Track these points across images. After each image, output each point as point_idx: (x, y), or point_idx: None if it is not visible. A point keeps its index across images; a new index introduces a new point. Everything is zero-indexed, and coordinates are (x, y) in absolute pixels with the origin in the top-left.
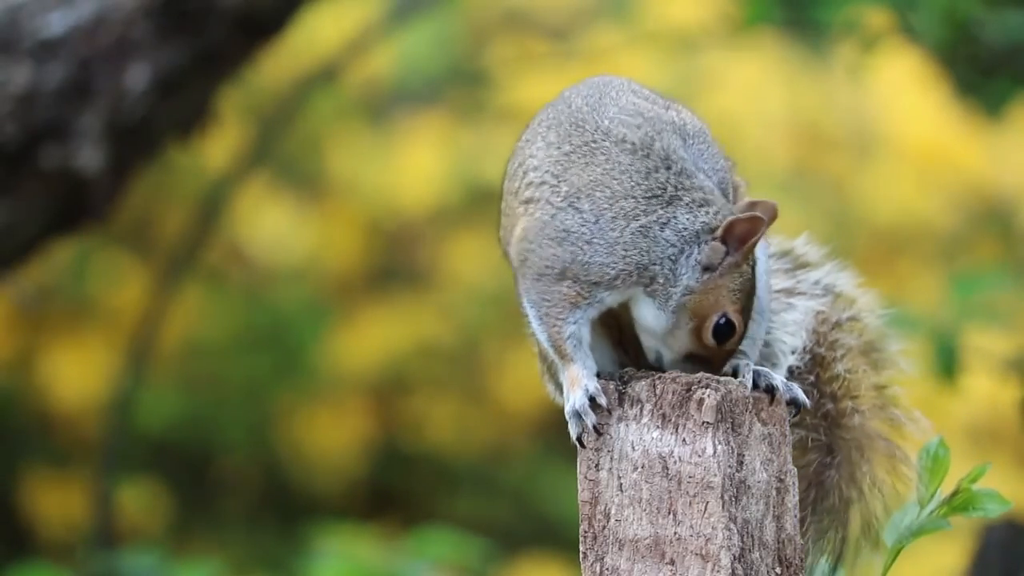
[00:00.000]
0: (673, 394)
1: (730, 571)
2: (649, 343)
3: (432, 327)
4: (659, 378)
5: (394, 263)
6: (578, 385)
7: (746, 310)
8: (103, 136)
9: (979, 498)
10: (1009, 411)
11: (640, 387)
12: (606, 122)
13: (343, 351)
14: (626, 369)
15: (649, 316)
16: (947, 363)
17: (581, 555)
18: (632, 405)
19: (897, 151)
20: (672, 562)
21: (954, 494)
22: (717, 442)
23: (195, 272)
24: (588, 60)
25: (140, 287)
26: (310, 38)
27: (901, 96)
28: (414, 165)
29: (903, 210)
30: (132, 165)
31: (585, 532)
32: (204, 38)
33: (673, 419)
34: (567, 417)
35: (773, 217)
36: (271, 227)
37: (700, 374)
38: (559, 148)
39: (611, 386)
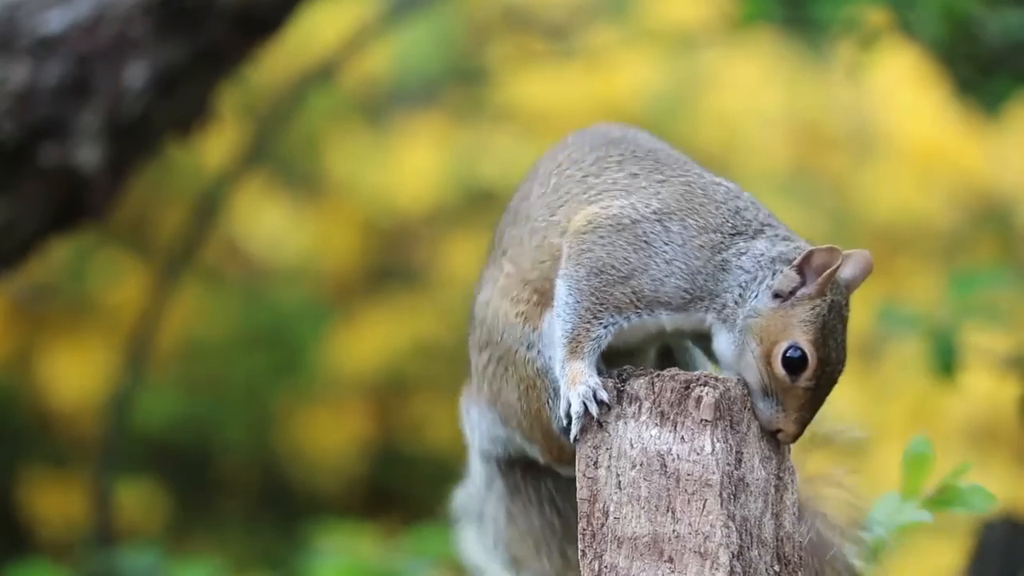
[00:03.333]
0: (671, 392)
1: (729, 569)
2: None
3: (430, 327)
4: (658, 376)
5: (391, 263)
6: (580, 382)
7: (825, 346)
8: (101, 134)
9: (964, 494)
10: (1008, 409)
11: (638, 384)
12: (695, 168)
13: (342, 351)
14: (624, 367)
15: (722, 343)
16: (946, 361)
17: (579, 553)
18: (631, 403)
19: (896, 150)
20: (671, 560)
21: (939, 491)
22: (716, 439)
23: (193, 271)
24: (587, 59)
25: (138, 286)
26: (308, 36)
27: (900, 94)
28: (412, 165)
29: (902, 209)
30: (131, 163)
31: (583, 530)
32: (203, 36)
33: (672, 417)
34: (568, 416)
35: (868, 267)
36: (269, 226)
37: (699, 372)
38: (647, 179)
39: (609, 383)
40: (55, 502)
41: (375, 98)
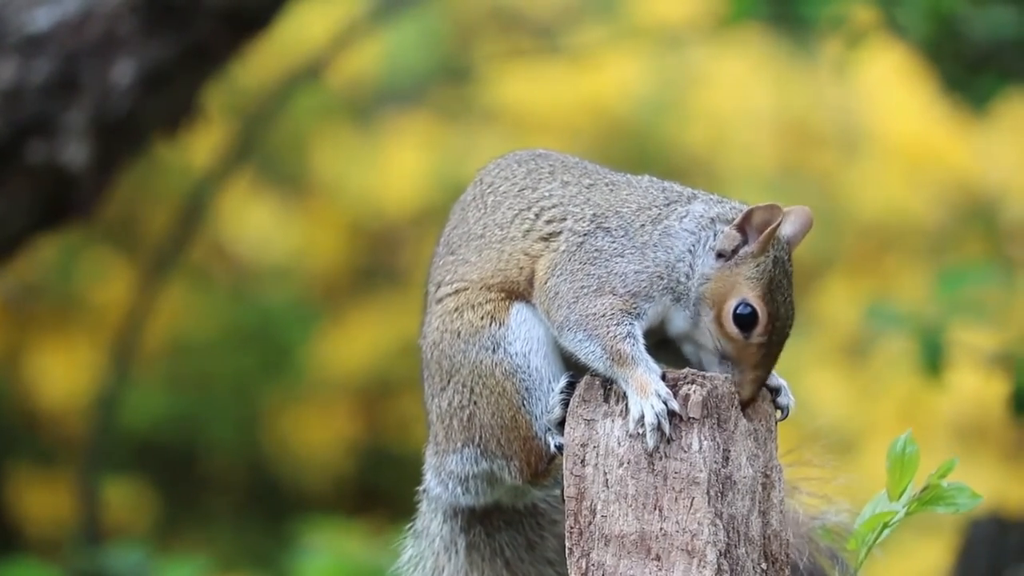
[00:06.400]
0: None
1: (716, 567)
2: (688, 350)
3: (417, 328)
4: None
5: (377, 264)
6: (649, 392)
7: (773, 301)
8: (88, 132)
9: (949, 493)
10: (995, 407)
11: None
12: (616, 173)
13: (329, 350)
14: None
15: (679, 320)
16: (933, 359)
17: (567, 551)
18: (618, 401)
19: (884, 148)
20: (658, 558)
21: (923, 490)
22: (703, 438)
23: (181, 270)
24: (574, 58)
25: (126, 285)
26: (295, 36)
27: (887, 92)
28: (398, 165)
29: (890, 206)
30: (118, 161)
31: (571, 528)
32: (190, 33)
33: None
34: (641, 426)
35: (808, 223)
36: (255, 226)
37: (686, 370)
38: (577, 185)
39: (596, 381)
40: (43, 501)
41: (362, 98)
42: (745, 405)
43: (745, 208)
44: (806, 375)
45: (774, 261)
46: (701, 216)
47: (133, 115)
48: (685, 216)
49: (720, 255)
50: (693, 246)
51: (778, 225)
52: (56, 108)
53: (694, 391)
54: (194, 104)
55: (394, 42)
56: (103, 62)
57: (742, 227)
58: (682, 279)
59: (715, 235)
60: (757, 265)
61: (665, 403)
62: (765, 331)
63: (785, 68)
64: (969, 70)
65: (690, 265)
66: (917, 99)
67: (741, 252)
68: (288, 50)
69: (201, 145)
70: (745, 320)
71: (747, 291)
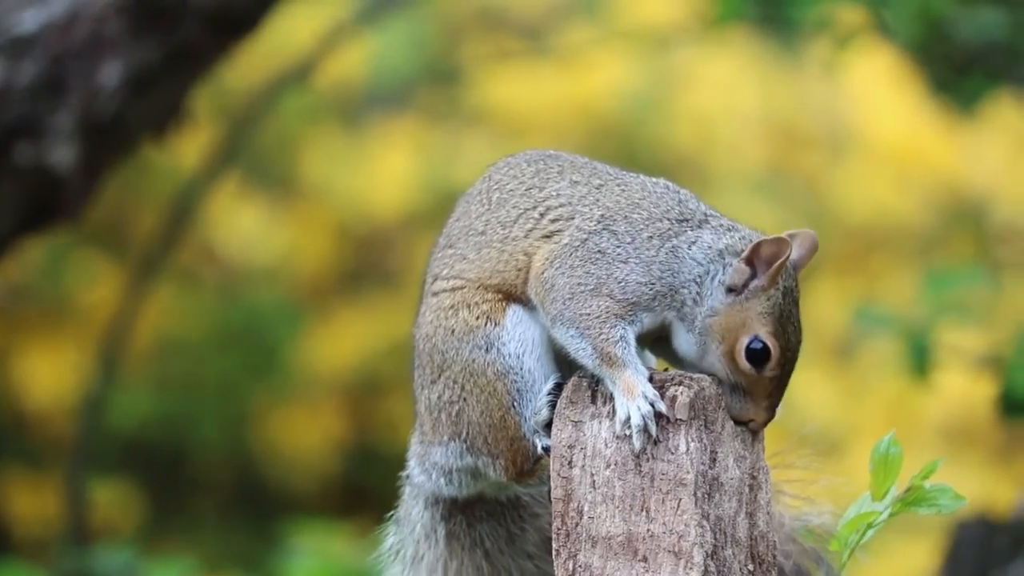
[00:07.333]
0: None
1: (703, 568)
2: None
3: (404, 328)
4: None
5: (365, 266)
6: (636, 393)
7: (784, 334)
8: (76, 133)
9: (931, 494)
10: (982, 408)
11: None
12: (629, 173)
13: (317, 351)
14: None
15: (683, 343)
16: (920, 361)
17: (554, 552)
18: (605, 402)
19: (871, 149)
20: (645, 559)
21: (906, 491)
22: (690, 439)
23: (168, 272)
24: (562, 59)
25: (113, 286)
26: (282, 39)
27: (875, 94)
28: (386, 167)
29: (877, 208)
30: (105, 163)
31: (558, 529)
32: (177, 35)
33: None
34: (628, 427)
35: (814, 246)
36: (243, 228)
37: (673, 371)
38: (587, 185)
39: (584, 383)
40: (30, 502)
41: (349, 100)
42: (757, 430)
43: (755, 237)
44: (793, 376)
45: (783, 292)
46: (710, 247)
47: (120, 117)
48: (695, 243)
49: (730, 290)
50: (700, 277)
51: (786, 259)
52: (43, 110)
53: (681, 392)
54: (181, 106)
55: (381, 44)
56: (90, 64)
57: (751, 260)
58: (688, 303)
59: (724, 268)
60: (768, 299)
61: (652, 404)
62: (777, 365)
63: (772, 69)
64: (957, 72)
65: (697, 294)
66: (905, 101)
67: (751, 286)
68: (275, 52)
69: (189, 147)
70: (758, 357)
71: (759, 327)
